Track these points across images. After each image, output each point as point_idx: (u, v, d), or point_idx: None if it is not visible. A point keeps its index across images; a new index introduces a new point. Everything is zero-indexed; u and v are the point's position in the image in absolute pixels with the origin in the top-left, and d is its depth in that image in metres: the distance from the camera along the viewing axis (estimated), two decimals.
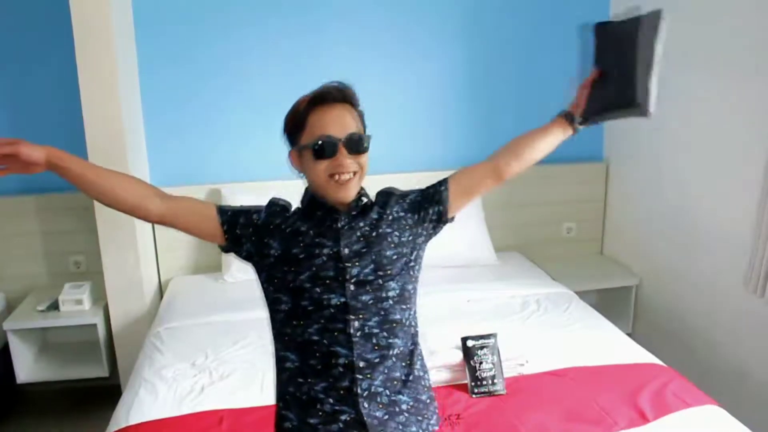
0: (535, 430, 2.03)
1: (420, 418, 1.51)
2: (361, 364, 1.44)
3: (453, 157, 3.67)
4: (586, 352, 2.50)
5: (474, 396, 2.21)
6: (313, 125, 1.48)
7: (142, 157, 3.33)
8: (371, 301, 1.45)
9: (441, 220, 1.60)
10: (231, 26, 3.34)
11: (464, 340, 2.29)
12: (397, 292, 1.48)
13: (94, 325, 3.17)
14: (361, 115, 1.56)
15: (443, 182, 1.63)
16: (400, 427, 1.47)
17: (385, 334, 1.46)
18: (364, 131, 1.53)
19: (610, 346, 2.58)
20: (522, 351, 2.40)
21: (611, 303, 3.65)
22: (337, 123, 1.47)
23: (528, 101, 3.70)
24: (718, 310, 2.99)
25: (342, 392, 1.44)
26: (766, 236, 2.57)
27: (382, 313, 1.46)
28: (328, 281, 1.44)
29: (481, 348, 2.26)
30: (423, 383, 1.55)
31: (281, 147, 3.75)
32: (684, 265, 3.21)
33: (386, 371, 1.46)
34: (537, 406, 2.15)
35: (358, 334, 1.44)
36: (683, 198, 3.18)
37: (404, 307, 1.50)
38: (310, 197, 1.53)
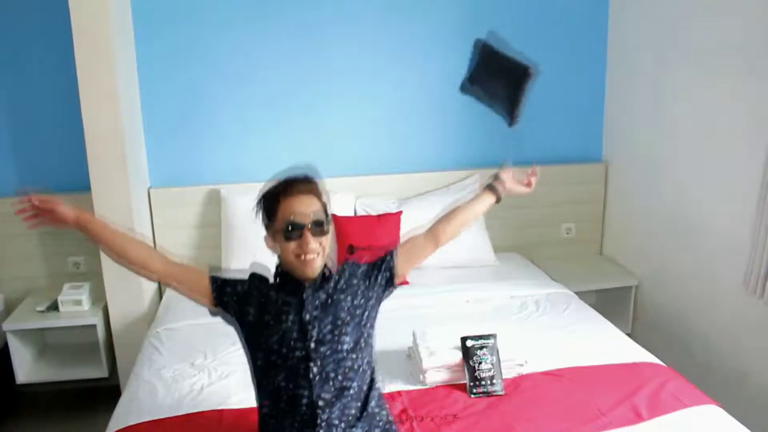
0: (530, 430, 2.02)
1: None
2: (321, 402, 1.74)
3: (452, 158, 3.67)
4: (585, 352, 2.50)
5: (472, 396, 2.21)
6: (283, 212, 1.74)
7: (142, 158, 3.33)
8: (329, 352, 1.75)
9: (390, 284, 1.90)
10: (231, 27, 3.34)
11: (464, 340, 2.29)
12: (351, 344, 1.78)
13: (94, 326, 3.17)
14: (325, 203, 1.82)
15: (391, 253, 1.92)
16: None
17: (340, 377, 1.76)
18: (328, 211, 1.80)
19: (609, 346, 2.58)
20: (521, 351, 2.39)
21: (610, 303, 3.65)
22: (303, 210, 1.73)
23: (531, 98, 3.70)
24: (718, 310, 2.99)
25: (305, 422, 1.74)
26: (765, 237, 2.57)
27: (338, 360, 1.76)
28: (292, 341, 1.74)
29: (481, 348, 2.26)
30: (378, 418, 1.84)
31: (280, 148, 3.78)
32: (683, 266, 3.21)
33: (342, 407, 1.76)
34: (534, 406, 2.15)
35: (317, 377, 1.74)
36: (682, 198, 3.18)
37: (357, 355, 1.79)
38: (281, 273, 1.81)
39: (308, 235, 1.71)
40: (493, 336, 2.30)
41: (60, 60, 3.18)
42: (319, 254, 1.74)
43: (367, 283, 1.87)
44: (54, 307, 3.20)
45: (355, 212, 3.48)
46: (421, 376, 2.29)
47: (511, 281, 3.26)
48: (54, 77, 3.26)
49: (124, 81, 3.02)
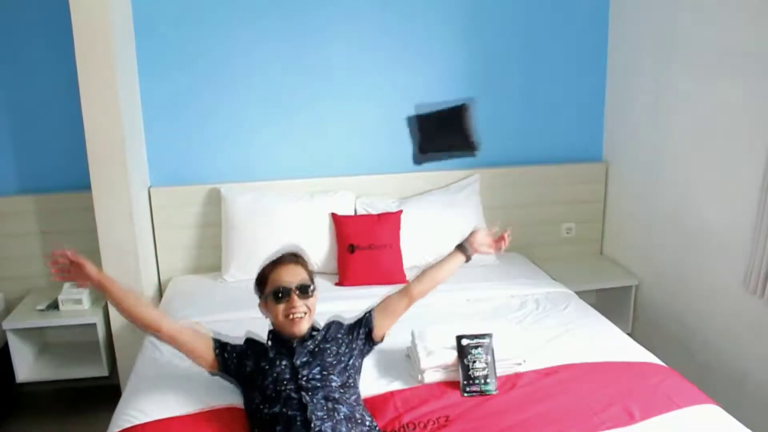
0: (521, 429, 2.01)
1: None
2: (314, 417, 1.87)
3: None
4: (585, 351, 2.49)
5: (465, 395, 2.20)
6: (273, 279, 2.05)
7: (142, 157, 3.33)
8: (319, 384, 1.95)
9: (369, 338, 2.18)
10: (231, 27, 3.34)
11: (459, 338, 2.28)
12: (339, 383, 1.99)
13: (94, 325, 3.17)
14: (310, 273, 2.11)
15: (370, 311, 2.21)
16: None
17: (330, 404, 1.92)
18: (313, 282, 2.09)
19: (609, 345, 2.57)
20: (520, 350, 2.39)
21: (611, 303, 3.65)
22: (290, 276, 2.04)
23: (529, 98, 3.70)
24: (718, 310, 2.98)
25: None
26: (765, 236, 2.57)
27: (327, 393, 1.94)
28: (285, 381, 1.95)
29: (476, 347, 2.25)
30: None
31: (280, 147, 3.78)
32: (684, 266, 3.20)
33: (334, 422, 1.88)
34: (526, 405, 2.13)
35: (310, 403, 1.90)
36: (683, 198, 3.18)
37: (345, 390, 2.00)
38: (273, 334, 2.09)
39: (295, 298, 2.01)
40: (489, 335, 2.29)
41: (60, 59, 3.18)
42: (306, 314, 2.03)
43: (350, 337, 2.14)
44: (54, 306, 3.21)
45: (356, 211, 3.48)
46: (419, 376, 2.29)
47: (511, 280, 3.26)
48: (54, 76, 3.26)
49: (125, 80, 3.02)
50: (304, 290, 2.03)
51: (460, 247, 2.33)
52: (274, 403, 1.92)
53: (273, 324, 2.08)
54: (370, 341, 2.18)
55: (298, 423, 1.86)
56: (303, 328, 2.02)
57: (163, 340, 2.08)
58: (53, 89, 3.29)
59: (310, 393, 1.92)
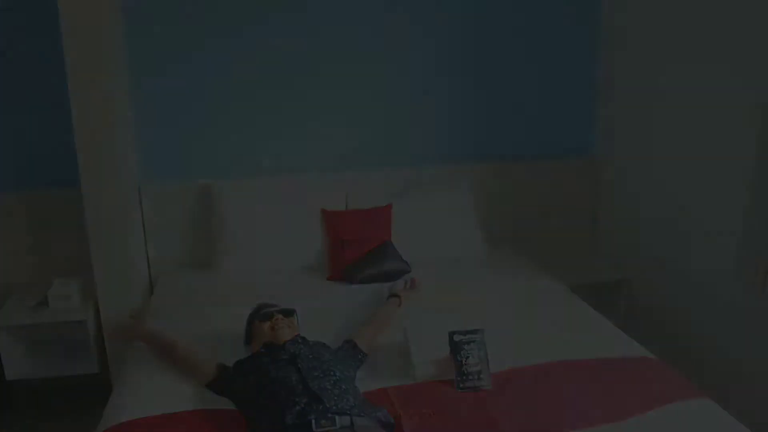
0: (516, 424, 2.01)
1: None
2: (310, 379, 2.05)
3: (445, 152, 3.67)
4: (577, 345, 2.49)
5: (459, 390, 2.20)
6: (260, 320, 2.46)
7: (132, 154, 3.31)
8: (311, 355, 2.19)
9: (354, 346, 2.40)
10: (223, 23, 3.31)
11: (451, 334, 2.28)
12: (331, 358, 2.22)
13: (84, 322, 3.15)
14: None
15: (349, 340, 2.43)
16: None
17: (324, 368, 2.12)
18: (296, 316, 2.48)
19: (601, 339, 2.58)
20: (512, 345, 2.39)
21: (603, 297, 3.65)
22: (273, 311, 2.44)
23: (520, 93, 3.70)
24: (710, 303, 3.00)
25: (298, 391, 1.99)
26: (756, 229, 2.58)
27: (321, 363, 2.14)
28: (281, 360, 2.17)
29: (468, 343, 2.25)
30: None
31: (271, 143, 3.75)
32: (675, 259, 3.21)
33: (331, 382, 2.06)
34: (522, 400, 2.13)
35: (304, 369, 2.09)
36: (674, 191, 3.19)
37: (338, 366, 2.18)
38: (263, 345, 2.32)
39: (278, 317, 2.38)
40: (481, 331, 2.29)
41: (50, 53, 3.15)
42: (288, 327, 2.35)
43: (336, 347, 2.39)
44: (43, 302, 3.18)
45: (347, 206, 3.47)
46: (411, 371, 2.29)
47: (503, 275, 3.26)
48: (43, 71, 3.22)
49: (114, 75, 2.99)
50: (287, 313, 2.42)
51: (394, 295, 2.83)
52: (268, 371, 2.11)
53: (263, 344, 2.33)
54: (356, 349, 2.38)
55: (293, 382, 2.03)
56: (285, 334, 2.30)
57: (177, 358, 2.37)
58: (42, 84, 3.24)
59: (305, 362, 2.13)
